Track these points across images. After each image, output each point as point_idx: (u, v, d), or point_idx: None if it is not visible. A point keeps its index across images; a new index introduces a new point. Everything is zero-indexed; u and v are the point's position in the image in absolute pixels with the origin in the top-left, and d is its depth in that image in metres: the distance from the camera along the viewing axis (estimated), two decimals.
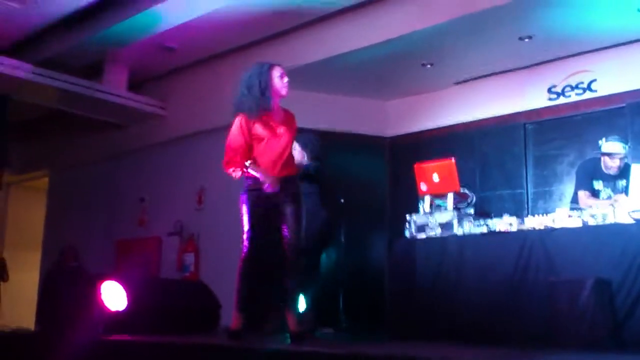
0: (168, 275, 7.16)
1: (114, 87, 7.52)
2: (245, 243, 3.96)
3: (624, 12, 5.35)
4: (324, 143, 5.46)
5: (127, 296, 4.11)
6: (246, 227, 3.95)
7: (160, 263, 7.55)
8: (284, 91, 4.09)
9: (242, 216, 3.98)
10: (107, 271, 7.36)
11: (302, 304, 4.92)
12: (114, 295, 4.06)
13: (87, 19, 6.56)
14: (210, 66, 7.39)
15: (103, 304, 4.01)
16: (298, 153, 4.96)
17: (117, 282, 4.14)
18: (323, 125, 7.10)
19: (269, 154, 4.00)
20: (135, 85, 7.83)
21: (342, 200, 6.43)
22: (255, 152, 4.02)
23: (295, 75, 6.81)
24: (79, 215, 8.74)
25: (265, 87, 4.00)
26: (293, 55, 6.57)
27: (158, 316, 4.23)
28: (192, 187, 7.41)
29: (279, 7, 6.02)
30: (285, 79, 4.11)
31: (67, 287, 4.34)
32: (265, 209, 3.96)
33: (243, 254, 4.00)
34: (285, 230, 3.98)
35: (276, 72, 4.08)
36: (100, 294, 4.01)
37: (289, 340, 4.03)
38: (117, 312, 4.04)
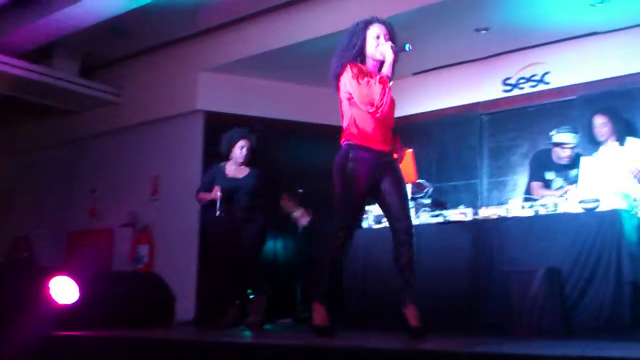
0: (121, 268, 7.04)
1: (65, 72, 7.32)
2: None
3: (577, 6, 5.44)
4: (284, 133, 5.44)
5: (78, 289, 4.02)
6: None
7: (113, 255, 7.42)
8: (378, 55, 3.50)
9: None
10: (57, 263, 7.21)
11: (252, 294, 4.95)
12: (63, 289, 3.96)
13: (36, 2, 6.36)
14: (167, 52, 7.27)
15: (52, 297, 3.90)
16: None
17: (67, 275, 4.04)
18: (282, 114, 7.08)
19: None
20: (89, 71, 7.65)
21: (301, 191, 6.42)
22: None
23: (257, 63, 6.81)
24: (28, 205, 8.51)
25: (350, 49, 3.53)
26: (251, 43, 6.52)
27: (110, 310, 4.14)
28: (146, 176, 7.29)
29: None
30: (384, 41, 3.49)
31: (15, 279, 4.22)
32: None
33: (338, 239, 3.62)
34: None
35: (372, 32, 3.52)
36: (49, 287, 3.90)
37: (247, 333, 4.01)
38: (67, 306, 3.94)
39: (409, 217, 3.56)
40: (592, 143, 5.08)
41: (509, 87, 6.45)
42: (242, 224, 4.97)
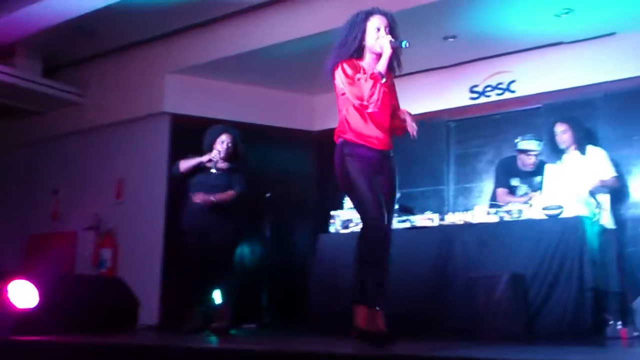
0: (83, 272, 6.90)
1: (28, 72, 7.16)
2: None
3: (542, 16, 5.52)
4: (251, 137, 5.41)
5: (38, 293, 3.93)
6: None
7: (75, 259, 7.27)
8: (377, 48, 3.39)
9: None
10: (17, 267, 7.04)
11: (217, 299, 4.88)
12: (22, 293, 3.87)
13: None
14: (134, 53, 7.16)
15: (10, 302, 3.80)
16: None
17: (26, 278, 3.95)
18: (250, 118, 7.03)
19: None
20: (53, 70, 7.51)
21: (268, 195, 6.39)
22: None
23: (222, 66, 6.76)
24: None
25: (350, 42, 3.43)
26: (221, 46, 6.46)
27: (71, 315, 4.06)
28: (111, 179, 7.17)
29: None
30: (384, 34, 3.39)
31: None
32: None
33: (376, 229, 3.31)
34: None
35: (372, 24, 3.42)
36: (7, 291, 3.81)
37: (211, 338, 3.95)
38: (26, 311, 3.85)
39: (390, 220, 3.45)
40: (555, 151, 5.17)
41: (475, 95, 6.52)
42: (214, 223, 4.91)
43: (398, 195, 4.93)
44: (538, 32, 5.83)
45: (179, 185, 5.34)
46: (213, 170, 4.98)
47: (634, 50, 5.69)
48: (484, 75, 6.46)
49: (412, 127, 3.43)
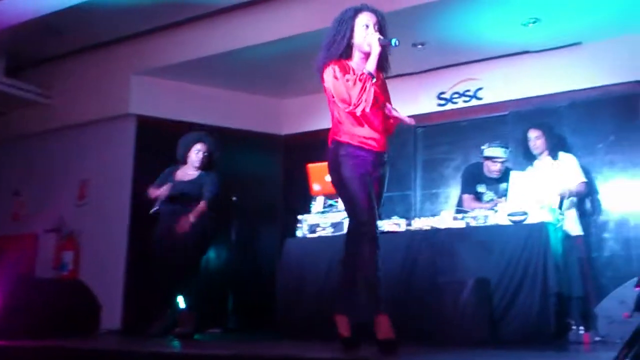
0: (44, 275, 6.76)
1: None
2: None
3: (510, 25, 5.59)
4: (218, 140, 5.35)
5: None
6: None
7: (36, 261, 7.11)
8: (365, 46, 3.27)
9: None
10: None
11: (182, 304, 4.82)
12: None
13: None
14: (100, 54, 7.04)
15: None
16: None
17: None
18: (217, 121, 6.99)
19: None
20: (17, 70, 7.35)
21: (235, 199, 6.34)
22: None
23: (190, 68, 6.70)
24: None
25: (339, 41, 3.30)
26: (189, 48, 6.40)
27: (32, 318, 3.98)
28: (74, 180, 7.04)
29: None
30: (373, 31, 3.26)
31: None
32: None
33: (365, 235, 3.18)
34: None
35: (360, 21, 3.30)
36: None
37: (175, 343, 3.90)
38: None
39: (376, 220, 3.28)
40: (527, 157, 5.25)
41: (443, 102, 6.57)
42: (177, 229, 4.83)
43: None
44: (505, 40, 5.91)
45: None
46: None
47: (599, 59, 5.81)
48: (451, 82, 6.52)
49: (409, 119, 3.40)
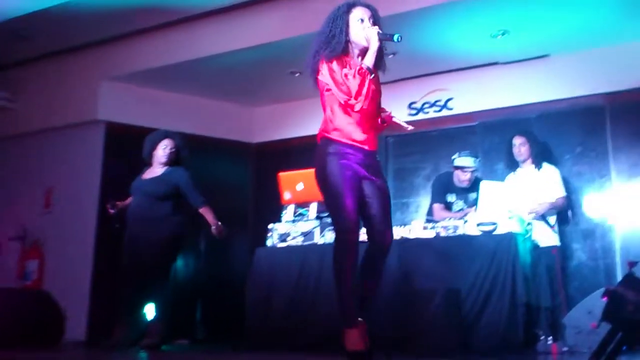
0: (7, 284, 6.59)
1: None
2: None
3: (479, 36, 5.65)
4: (188, 147, 5.28)
5: None
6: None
7: None
8: (363, 41, 3.14)
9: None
10: None
11: (150, 314, 4.72)
12: None
13: None
14: (68, 59, 6.94)
15: None
16: None
17: None
18: (188, 128, 6.91)
19: None
20: None
21: None
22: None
23: (161, 75, 6.64)
24: None
25: (338, 35, 3.16)
26: (160, 54, 6.33)
27: None
28: (40, 187, 6.90)
29: (145, 2, 5.73)
30: (369, 25, 3.15)
31: None
32: None
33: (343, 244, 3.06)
34: None
35: (355, 16, 3.19)
36: None
37: (142, 355, 3.82)
38: None
39: (390, 233, 3.15)
40: (510, 163, 5.30)
41: (414, 111, 6.61)
42: (144, 233, 4.71)
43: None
44: (475, 52, 5.97)
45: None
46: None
47: (566, 72, 5.90)
48: (422, 92, 6.56)
49: (407, 125, 3.34)
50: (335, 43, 3.13)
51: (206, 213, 4.82)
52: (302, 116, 7.20)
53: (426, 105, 6.55)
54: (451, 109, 6.43)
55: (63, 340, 4.61)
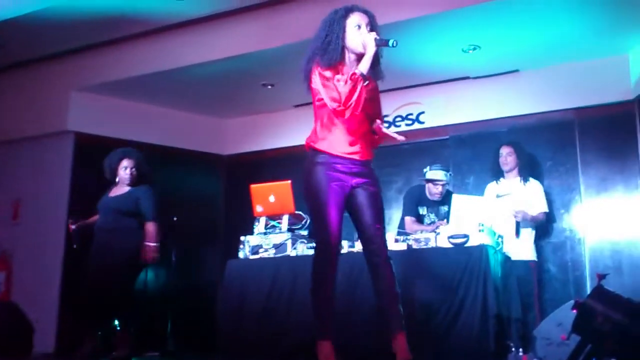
0: None
1: None
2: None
3: (451, 51, 5.72)
4: (159, 159, 5.25)
5: None
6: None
7: None
8: (360, 47, 3.05)
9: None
10: None
11: (119, 326, 4.68)
12: None
13: None
14: (38, 69, 6.85)
15: None
16: None
17: None
18: (159, 140, 6.88)
19: None
20: None
21: (175, 219, 6.22)
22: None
23: (132, 86, 6.58)
24: None
25: (334, 41, 3.06)
26: (131, 65, 6.28)
27: None
28: (7, 199, 6.78)
29: (116, 12, 5.66)
30: (366, 31, 3.07)
31: None
32: None
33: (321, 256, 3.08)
34: None
35: (352, 21, 3.10)
36: None
37: None
38: None
39: (381, 236, 3.13)
40: (495, 173, 5.35)
41: (386, 125, 6.54)
42: (109, 248, 4.71)
43: (308, 220, 4.93)
44: (446, 66, 6.04)
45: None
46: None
47: (536, 87, 6.00)
48: (394, 105, 6.60)
49: (399, 135, 3.20)
50: (331, 50, 3.04)
51: (149, 229, 4.79)
52: (274, 128, 7.20)
53: (398, 119, 6.60)
54: (423, 122, 6.48)
55: (32, 352, 4.52)
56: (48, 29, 5.92)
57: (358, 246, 4.61)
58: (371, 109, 3.17)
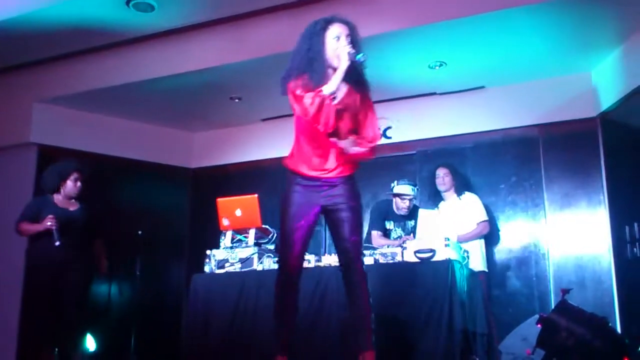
0: None
1: None
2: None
3: (417, 67, 5.78)
4: (124, 172, 5.18)
5: None
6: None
7: None
8: (335, 60, 2.98)
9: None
10: None
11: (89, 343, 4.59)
12: None
13: None
14: (1, 80, 6.71)
15: None
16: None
17: None
18: (124, 152, 6.79)
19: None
20: None
21: (140, 232, 6.14)
22: None
23: (97, 98, 6.48)
24: None
25: (315, 55, 3.00)
26: (96, 77, 6.19)
27: None
28: None
29: (82, 24, 5.57)
30: (344, 43, 2.99)
31: None
32: None
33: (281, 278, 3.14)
34: None
35: (331, 33, 3.02)
36: None
37: None
38: None
39: (357, 249, 3.10)
40: (434, 195, 5.42)
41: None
42: (68, 263, 4.65)
43: (275, 234, 4.90)
44: (413, 82, 6.09)
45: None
46: (57, 243, 4.63)
47: (501, 103, 6.08)
48: None
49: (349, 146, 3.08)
50: (317, 69, 2.97)
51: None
52: (242, 142, 7.17)
53: None
54: (390, 137, 6.51)
55: None
56: (11, 40, 5.80)
57: (325, 260, 4.60)
58: (350, 124, 3.13)
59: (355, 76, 3.03)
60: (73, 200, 4.90)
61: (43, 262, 4.69)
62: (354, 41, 3.04)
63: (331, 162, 3.09)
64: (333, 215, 3.11)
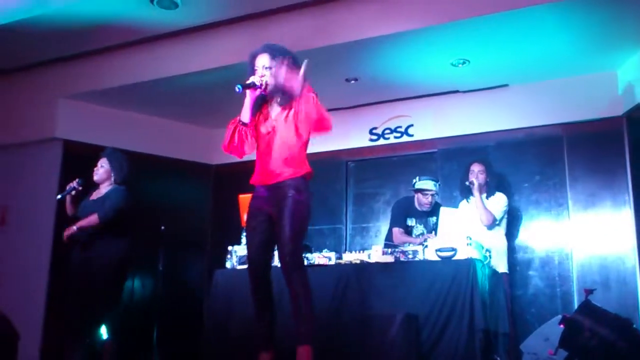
0: None
1: None
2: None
3: (440, 65, 5.74)
4: (147, 168, 5.19)
5: None
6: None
7: None
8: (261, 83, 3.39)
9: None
10: None
11: (104, 334, 4.60)
12: None
13: None
14: (26, 76, 6.80)
15: None
16: None
17: None
18: (147, 148, 6.84)
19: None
20: None
21: (163, 228, 6.19)
22: None
23: (121, 94, 6.56)
24: None
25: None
26: (120, 74, 6.26)
27: None
28: None
29: (107, 20, 5.65)
30: (261, 72, 3.41)
31: None
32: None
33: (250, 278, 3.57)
34: None
35: (258, 63, 3.44)
36: None
37: None
38: None
39: (293, 243, 3.26)
40: (465, 191, 5.31)
41: (375, 137, 6.65)
42: (91, 255, 4.58)
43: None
44: (436, 79, 6.06)
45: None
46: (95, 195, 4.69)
47: (525, 101, 6.03)
48: (383, 118, 6.62)
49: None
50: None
51: (87, 218, 4.65)
52: None
53: (387, 131, 6.61)
54: (412, 135, 6.50)
55: None
56: (38, 37, 5.89)
57: (346, 258, 4.61)
58: (285, 139, 3.43)
59: (280, 90, 3.35)
60: (103, 189, 4.86)
61: (73, 257, 4.71)
62: (285, 60, 3.37)
63: (279, 167, 3.45)
64: (277, 216, 3.38)
